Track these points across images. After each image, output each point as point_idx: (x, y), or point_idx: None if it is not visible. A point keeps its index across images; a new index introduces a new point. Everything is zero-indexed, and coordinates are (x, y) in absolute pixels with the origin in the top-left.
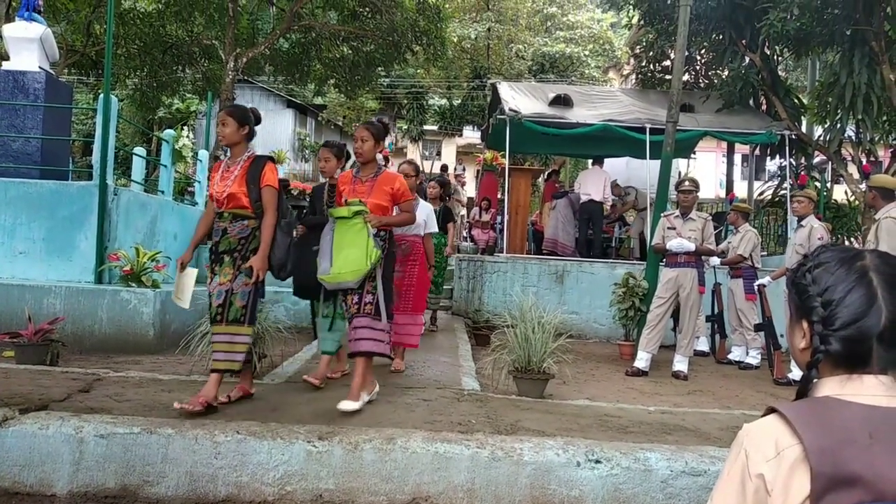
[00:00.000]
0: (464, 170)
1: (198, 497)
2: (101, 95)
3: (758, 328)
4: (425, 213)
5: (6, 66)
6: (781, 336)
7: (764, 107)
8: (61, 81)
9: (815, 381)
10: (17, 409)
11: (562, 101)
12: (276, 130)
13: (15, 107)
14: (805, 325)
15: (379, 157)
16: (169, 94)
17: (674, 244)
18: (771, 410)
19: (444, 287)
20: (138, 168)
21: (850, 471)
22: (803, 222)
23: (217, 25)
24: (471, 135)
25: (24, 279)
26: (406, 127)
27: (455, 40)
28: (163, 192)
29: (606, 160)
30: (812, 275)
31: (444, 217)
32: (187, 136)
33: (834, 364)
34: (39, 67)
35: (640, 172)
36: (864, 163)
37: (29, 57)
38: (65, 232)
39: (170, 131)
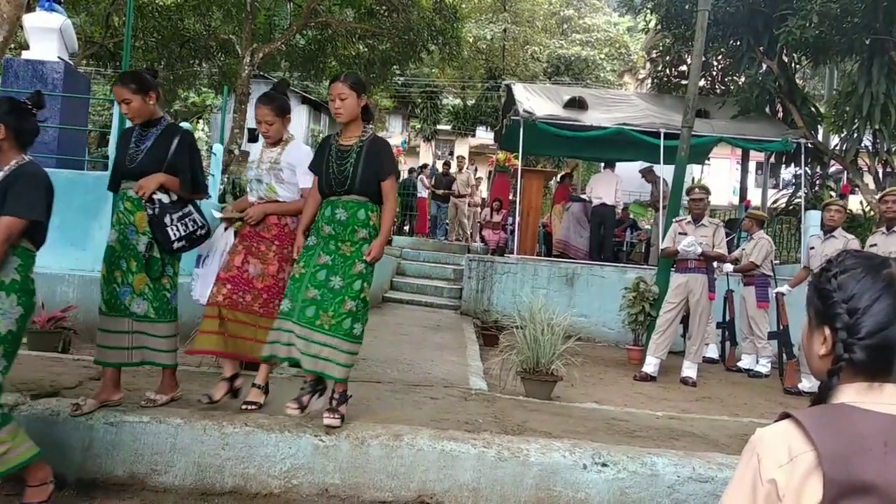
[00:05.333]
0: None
1: (204, 487)
2: None
3: (771, 336)
4: None
5: (26, 55)
6: (792, 345)
7: (780, 114)
8: (79, 72)
9: (834, 388)
10: (28, 394)
11: (576, 104)
12: (291, 126)
13: None
14: (827, 331)
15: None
16: (185, 88)
17: (685, 241)
18: (785, 416)
19: (456, 287)
20: None
21: (863, 479)
22: (835, 234)
23: (234, 20)
24: (484, 135)
25: (38, 267)
26: (419, 126)
27: (471, 40)
28: None
29: (619, 164)
30: (837, 281)
31: (367, 164)
32: (202, 130)
33: (854, 372)
34: (58, 57)
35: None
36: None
37: (48, 47)
38: (79, 221)
39: (185, 124)
